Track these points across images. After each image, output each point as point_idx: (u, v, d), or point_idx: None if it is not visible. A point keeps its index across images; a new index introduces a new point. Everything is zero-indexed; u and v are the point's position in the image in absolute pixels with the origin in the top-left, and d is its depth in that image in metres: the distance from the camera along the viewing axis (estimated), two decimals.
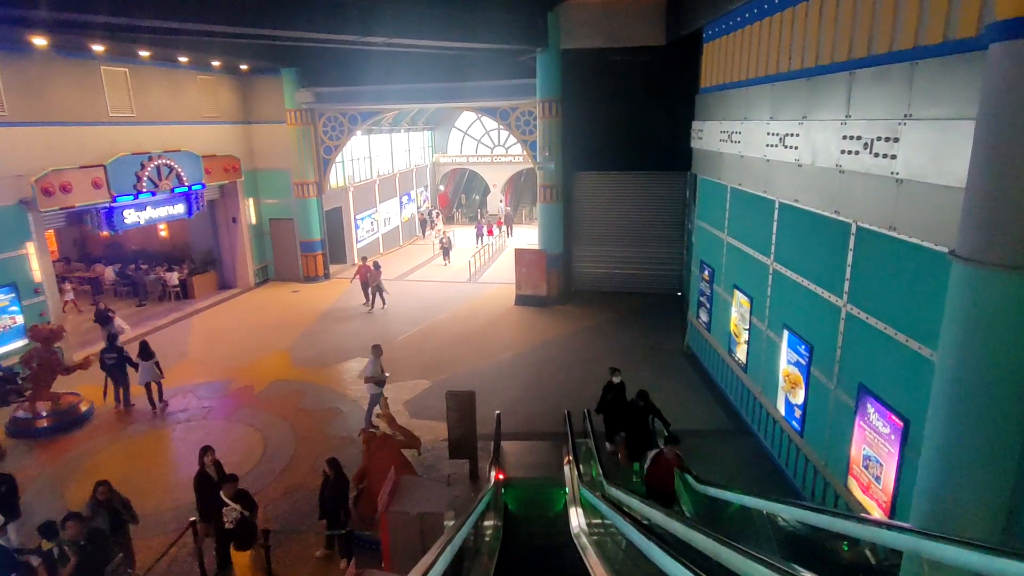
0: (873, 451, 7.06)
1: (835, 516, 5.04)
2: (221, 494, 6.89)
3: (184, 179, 17.98)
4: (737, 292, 11.50)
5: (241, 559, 7.03)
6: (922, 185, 5.98)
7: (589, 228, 19.90)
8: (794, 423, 9.15)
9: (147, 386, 12.17)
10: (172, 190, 17.70)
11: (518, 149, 37.16)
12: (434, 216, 34.86)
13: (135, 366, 12.14)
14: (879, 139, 6.63)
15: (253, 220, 21.97)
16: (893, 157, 6.38)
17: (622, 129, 18.22)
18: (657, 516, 5.87)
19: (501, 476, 9.26)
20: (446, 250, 26.09)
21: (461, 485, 9.52)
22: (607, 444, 10.57)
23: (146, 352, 12.14)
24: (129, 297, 20.43)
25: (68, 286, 18.96)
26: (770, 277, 10.03)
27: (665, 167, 18.46)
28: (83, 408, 11.88)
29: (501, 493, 8.89)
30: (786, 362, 9.38)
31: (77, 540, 6.05)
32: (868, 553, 6.51)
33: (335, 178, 23.94)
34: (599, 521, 7.94)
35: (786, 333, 9.36)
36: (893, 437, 6.67)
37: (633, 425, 9.68)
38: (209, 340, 16.57)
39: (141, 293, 20.26)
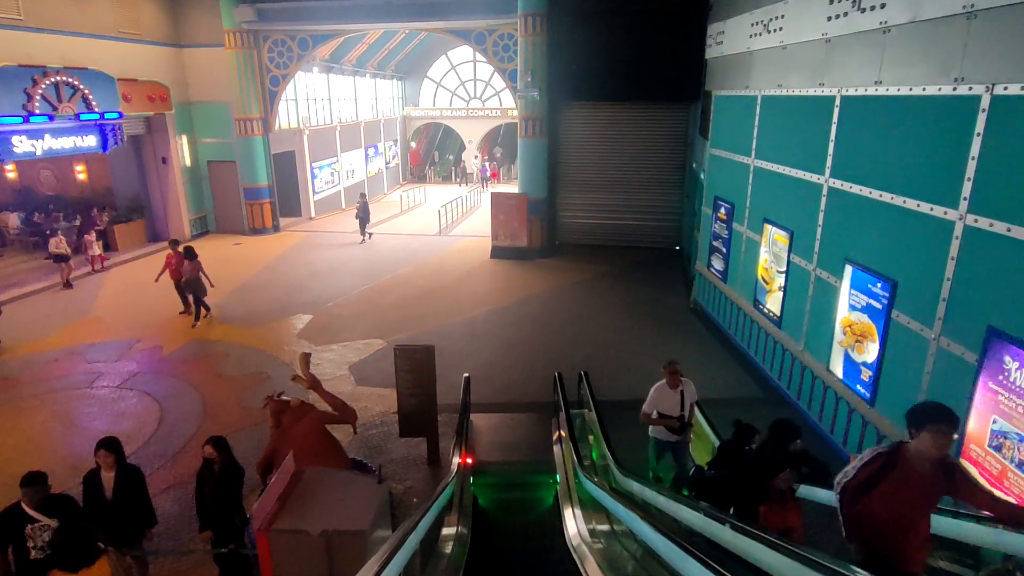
0: (1014, 425, 4.79)
1: None
2: (22, 505, 4.35)
3: (93, 104, 14.90)
4: (770, 227, 9.14)
5: None
6: None
7: (577, 171, 17.38)
8: (859, 388, 6.88)
9: None
10: (78, 116, 14.63)
11: (495, 102, 34.39)
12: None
13: None
14: None
15: (188, 161, 18.93)
16: None
17: (617, 52, 15.58)
18: (704, 524, 3.49)
19: (469, 461, 6.86)
20: (362, 222, 18.84)
21: (415, 474, 7.10)
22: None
23: None
24: (38, 249, 17.35)
25: (90, 237, 15.60)
26: (823, 200, 7.67)
27: (666, 98, 15.98)
28: None
29: (469, 484, 6.49)
30: (848, 308, 7.08)
31: None
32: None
33: (286, 117, 20.92)
34: (607, 528, 5.59)
35: (849, 270, 7.03)
36: None
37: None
38: (122, 296, 13.77)
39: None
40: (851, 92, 7.02)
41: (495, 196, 16.66)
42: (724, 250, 11.09)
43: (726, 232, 10.96)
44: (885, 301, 6.39)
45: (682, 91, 15.38)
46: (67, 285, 14.35)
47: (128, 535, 4.88)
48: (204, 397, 8.90)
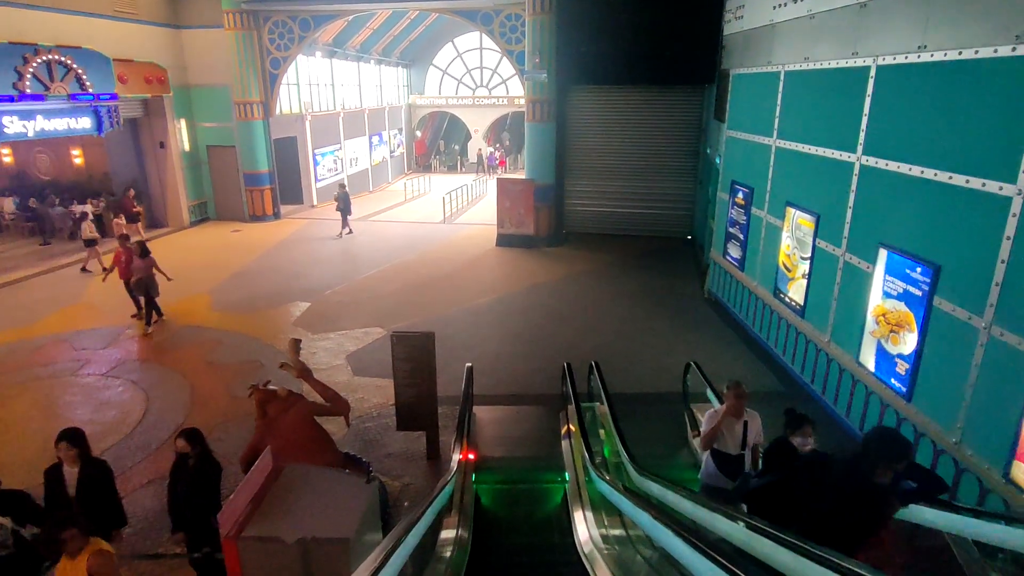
0: None
1: None
2: None
3: (87, 85, 14.44)
4: (793, 211, 8.60)
5: None
6: None
7: (585, 157, 16.81)
8: (894, 382, 6.35)
9: None
10: (72, 97, 14.18)
11: (502, 90, 33.80)
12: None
13: None
14: None
15: (186, 146, 18.47)
16: None
17: (628, 32, 14.94)
18: (746, 538, 2.98)
19: (471, 456, 6.39)
20: (343, 212, 17.34)
21: (413, 470, 6.63)
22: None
23: None
24: (34, 235, 16.99)
25: (119, 221, 15.33)
26: (854, 180, 7.12)
27: (679, 80, 15.38)
28: None
29: (471, 482, 6.01)
30: (882, 296, 6.54)
31: None
32: None
33: (288, 102, 20.43)
34: (622, 532, 5.10)
35: (884, 254, 6.49)
36: None
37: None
38: (113, 282, 13.24)
39: (47, 230, 16.83)
40: (889, 61, 6.45)
41: (501, 182, 16.15)
42: (741, 237, 10.54)
43: (744, 218, 10.41)
44: (926, 287, 5.86)
45: (696, 73, 14.78)
46: (83, 269, 14.11)
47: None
48: (193, 386, 8.46)
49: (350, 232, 17.63)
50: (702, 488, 5.15)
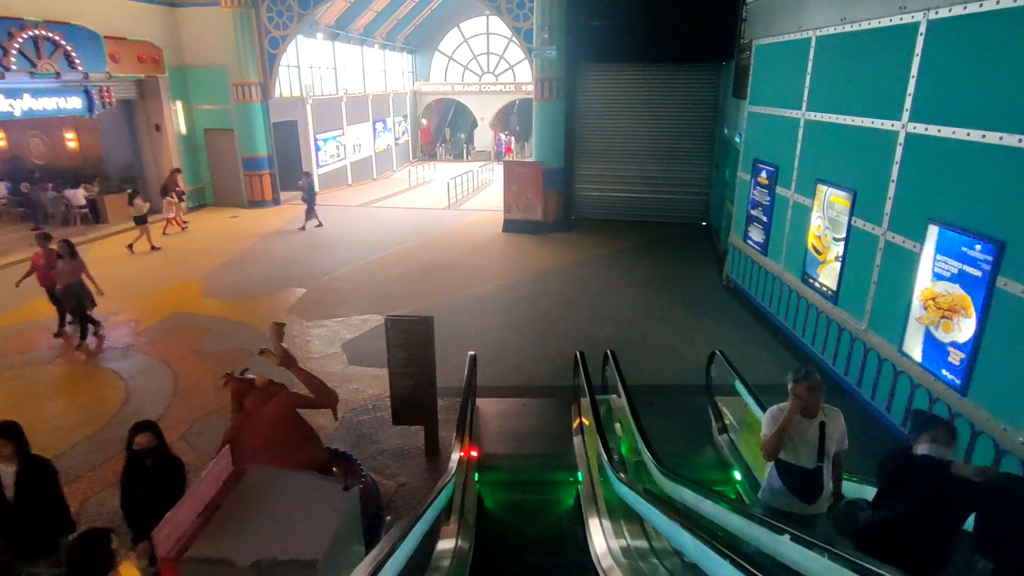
0: None
1: None
2: None
3: (77, 62, 13.86)
4: (824, 189, 7.90)
5: None
6: None
7: (595, 139, 16.11)
8: (945, 373, 5.68)
9: None
10: (59, 75, 13.61)
11: (509, 76, 33.05)
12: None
13: None
14: None
15: (183, 130, 17.86)
16: None
17: (641, 6, 14.22)
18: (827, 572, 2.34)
19: (474, 453, 5.78)
20: (308, 205, 15.74)
21: (410, 468, 6.02)
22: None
23: None
24: (25, 220, 16.47)
25: (171, 199, 15.35)
26: (898, 150, 6.43)
27: (694, 58, 14.65)
28: None
29: (473, 482, 5.40)
30: (931, 277, 5.87)
31: None
32: None
33: (288, 85, 19.80)
34: (643, 544, 4.48)
35: (934, 231, 5.82)
36: None
37: None
38: (103, 266, 12.67)
39: (39, 215, 16.30)
40: (943, 14, 5.75)
41: (508, 165, 15.49)
42: (764, 219, 9.85)
43: (767, 199, 9.71)
44: (987, 266, 5.19)
45: (712, 50, 14.07)
46: (153, 248, 14.07)
47: (36, 544, 3.85)
48: (176, 375, 7.88)
49: (303, 228, 15.83)
50: (764, 510, 3.91)
